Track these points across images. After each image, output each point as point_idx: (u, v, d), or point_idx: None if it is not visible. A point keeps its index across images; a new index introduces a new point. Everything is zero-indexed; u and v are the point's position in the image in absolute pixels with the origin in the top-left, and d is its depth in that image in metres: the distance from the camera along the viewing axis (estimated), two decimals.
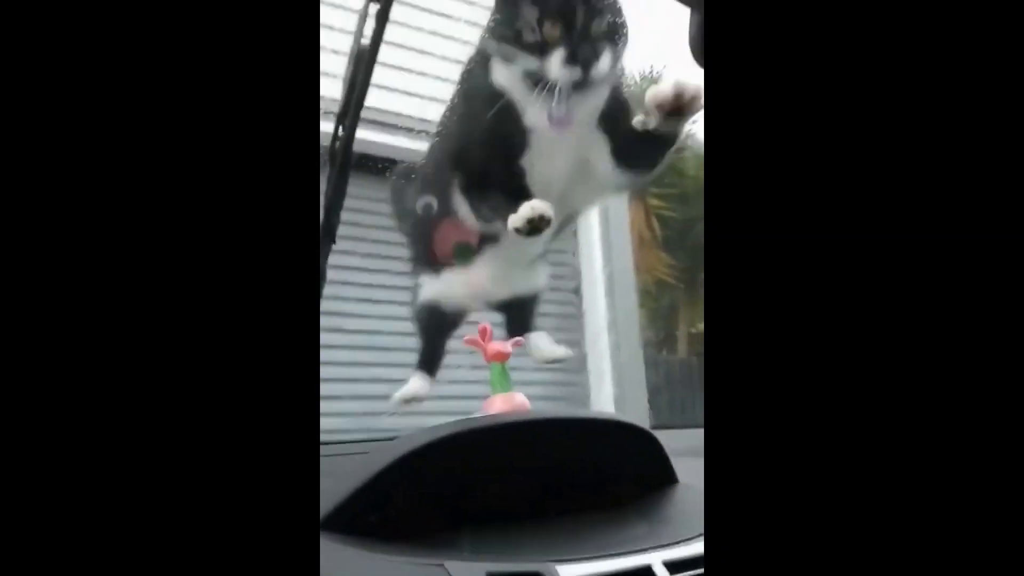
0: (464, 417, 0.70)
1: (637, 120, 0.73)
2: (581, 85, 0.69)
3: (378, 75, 0.65)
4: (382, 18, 0.56)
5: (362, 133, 0.71)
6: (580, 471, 0.75)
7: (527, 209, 0.68)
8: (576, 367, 2.57)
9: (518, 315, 0.94)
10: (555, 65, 0.68)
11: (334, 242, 0.72)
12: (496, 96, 0.72)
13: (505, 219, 0.71)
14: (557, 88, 0.68)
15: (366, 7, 0.57)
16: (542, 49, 0.68)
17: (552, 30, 0.68)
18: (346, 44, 0.59)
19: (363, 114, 0.67)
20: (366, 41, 0.57)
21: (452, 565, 0.57)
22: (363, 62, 0.59)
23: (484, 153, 0.73)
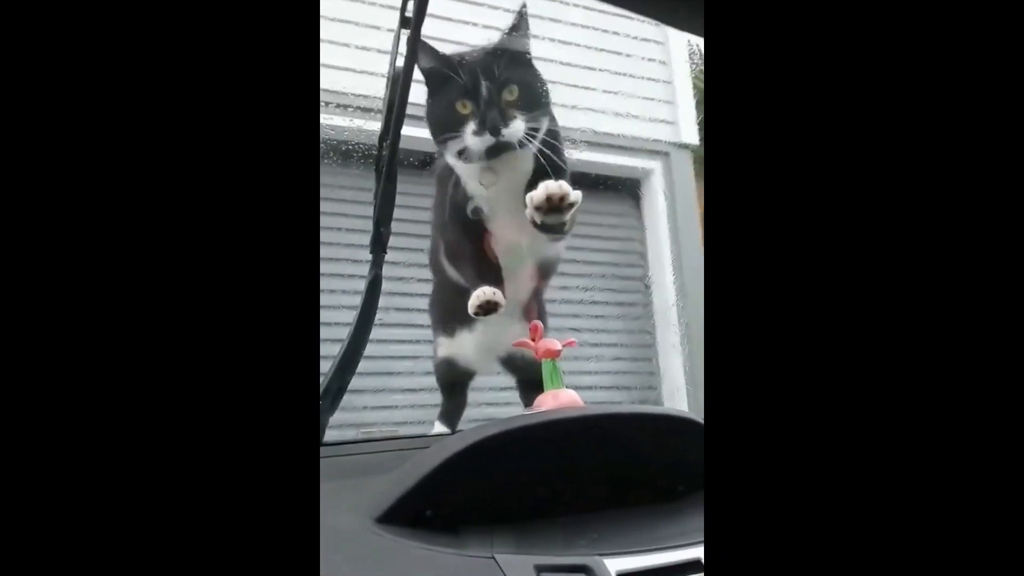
0: (514, 415, 0.72)
1: (527, 213, 0.81)
2: (496, 150, 0.80)
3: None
4: (413, 43, 0.59)
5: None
6: (631, 465, 0.75)
7: (475, 297, 0.79)
8: (645, 356, 2.54)
9: (524, 375, 1.03)
10: (468, 136, 0.79)
11: (385, 252, 0.76)
12: (450, 172, 0.85)
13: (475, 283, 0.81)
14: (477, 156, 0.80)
15: (398, 32, 0.60)
16: (460, 126, 0.80)
17: (463, 108, 0.79)
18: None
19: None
20: (400, 64, 0.60)
21: (502, 558, 0.59)
22: (398, 84, 0.62)
23: (452, 221, 0.86)
